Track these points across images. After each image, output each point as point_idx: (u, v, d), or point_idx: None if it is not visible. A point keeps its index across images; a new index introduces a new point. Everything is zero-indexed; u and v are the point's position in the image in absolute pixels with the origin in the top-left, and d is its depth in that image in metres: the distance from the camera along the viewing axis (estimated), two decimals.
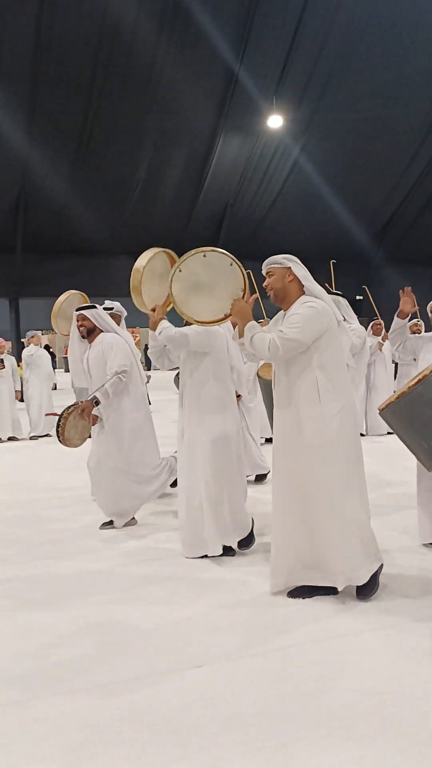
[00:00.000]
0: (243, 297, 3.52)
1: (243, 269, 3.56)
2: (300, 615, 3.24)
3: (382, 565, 3.44)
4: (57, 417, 4.56)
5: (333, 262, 8.18)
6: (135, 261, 4.21)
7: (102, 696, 2.59)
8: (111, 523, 4.87)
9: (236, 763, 2.16)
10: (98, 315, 4.85)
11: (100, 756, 2.22)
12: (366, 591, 3.35)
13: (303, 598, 3.37)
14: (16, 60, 14.06)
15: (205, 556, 4.07)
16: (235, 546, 4.11)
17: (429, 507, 4.04)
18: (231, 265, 3.53)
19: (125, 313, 5.90)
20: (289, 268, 3.36)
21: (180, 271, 3.56)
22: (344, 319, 4.83)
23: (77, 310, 4.86)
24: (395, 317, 4.24)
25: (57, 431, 4.51)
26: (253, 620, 3.22)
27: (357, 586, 3.35)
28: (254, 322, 3.38)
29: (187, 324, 3.93)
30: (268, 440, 7.05)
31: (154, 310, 4.21)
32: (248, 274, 3.68)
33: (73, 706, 2.52)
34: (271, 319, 3.79)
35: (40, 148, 15.54)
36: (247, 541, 4.16)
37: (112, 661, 2.86)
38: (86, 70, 14.74)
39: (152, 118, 15.98)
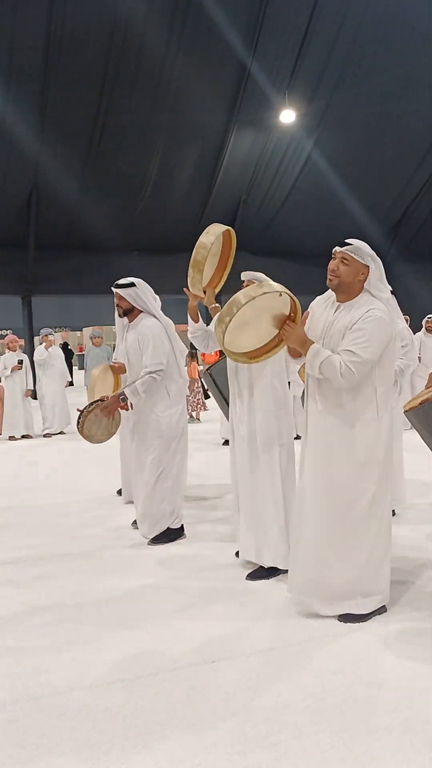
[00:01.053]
0: (294, 320, 3.16)
1: (293, 296, 3.16)
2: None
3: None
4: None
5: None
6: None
7: (119, 690, 2.61)
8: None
9: (252, 756, 2.17)
10: (136, 295, 4.45)
11: (117, 750, 2.24)
12: (352, 617, 3.12)
13: None
14: (28, 58, 14.09)
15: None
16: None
17: None
18: (281, 295, 3.13)
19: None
20: (368, 267, 3.10)
21: (232, 320, 3.07)
22: None
23: (114, 287, 4.48)
24: None
25: (78, 427, 4.39)
26: (269, 615, 3.24)
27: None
28: (318, 345, 3.08)
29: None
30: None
31: (204, 292, 3.99)
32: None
33: (90, 699, 2.55)
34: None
35: (51, 146, 15.58)
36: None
37: (128, 658, 2.89)
38: (97, 67, 14.74)
39: (164, 114, 15.97)
